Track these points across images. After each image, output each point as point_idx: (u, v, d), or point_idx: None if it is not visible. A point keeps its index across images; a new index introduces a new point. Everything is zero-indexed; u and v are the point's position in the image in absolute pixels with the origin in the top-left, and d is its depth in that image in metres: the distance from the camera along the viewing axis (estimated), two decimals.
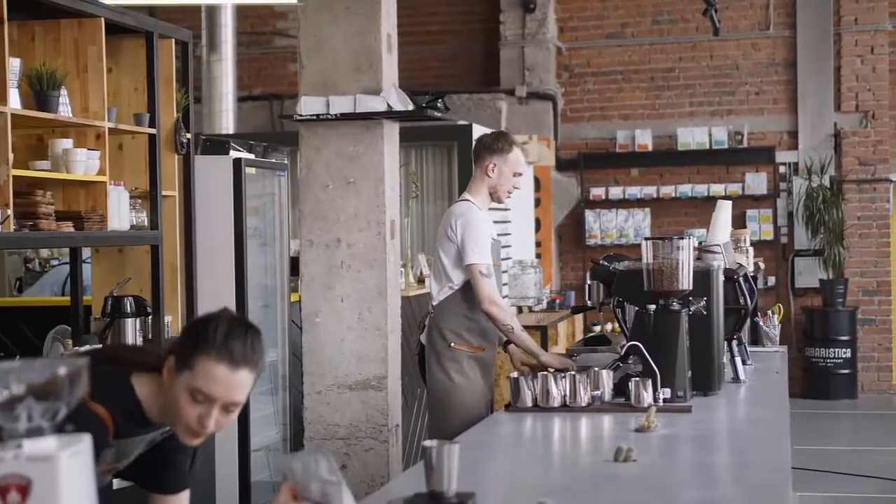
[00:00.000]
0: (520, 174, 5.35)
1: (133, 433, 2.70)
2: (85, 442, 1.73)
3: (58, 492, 1.67)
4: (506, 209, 10.28)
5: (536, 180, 12.22)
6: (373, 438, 5.64)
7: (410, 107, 5.57)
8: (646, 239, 4.42)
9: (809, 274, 12.54)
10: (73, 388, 1.73)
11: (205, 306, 6.12)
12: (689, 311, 4.42)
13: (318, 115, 5.58)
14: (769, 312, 6.45)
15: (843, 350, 12.18)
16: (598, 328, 10.52)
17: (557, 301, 10.91)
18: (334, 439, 5.64)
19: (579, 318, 11.12)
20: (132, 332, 5.42)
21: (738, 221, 12.28)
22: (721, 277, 4.67)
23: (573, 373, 4.29)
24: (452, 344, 5.24)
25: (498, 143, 5.34)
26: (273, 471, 6.71)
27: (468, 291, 5.25)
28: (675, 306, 4.36)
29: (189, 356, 2.59)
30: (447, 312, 5.28)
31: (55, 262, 8.18)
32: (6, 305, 6.89)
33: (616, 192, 12.85)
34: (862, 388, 12.43)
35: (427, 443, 2.71)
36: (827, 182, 12.35)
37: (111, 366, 2.71)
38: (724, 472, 3.32)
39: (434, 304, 5.37)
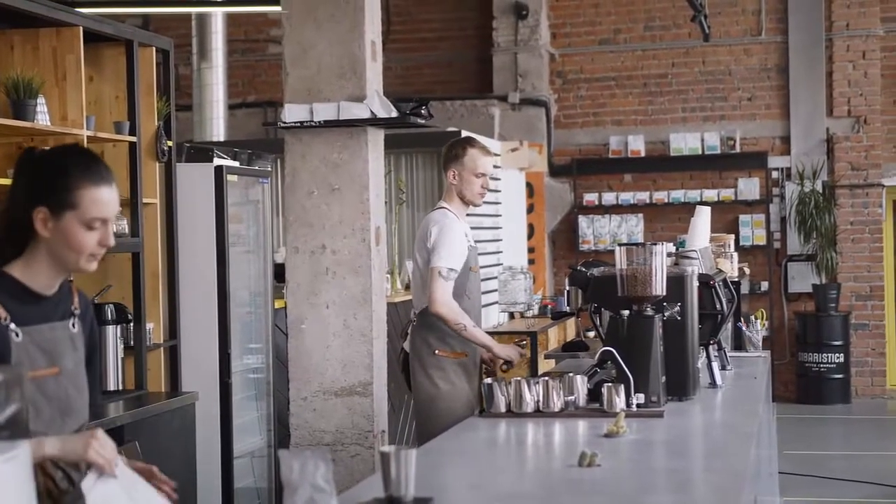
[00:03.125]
0: (482, 174, 5.39)
1: (34, 316, 2.74)
2: (22, 448, 1.75)
3: None
4: (497, 215, 10.32)
5: (529, 186, 12.25)
6: (359, 444, 5.67)
7: (394, 114, 5.59)
8: (619, 245, 4.44)
9: (802, 279, 12.54)
10: (9, 395, 1.75)
11: (187, 313, 6.15)
12: (663, 316, 4.43)
13: (302, 123, 5.60)
14: (752, 318, 6.45)
15: (837, 355, 12.19)
16: (591, 334, 10.53)
17: (550, 307, 10.92)
18: (320, 445, 5.65)
19: (571, 323, 11.14)
20: (113, 339, 5.43)
21: (731, 226, 12.31)
22: (695, 283, 4.68)
23: (546, 378, 4.31)
24: (437, 351, 5.30)
25: (453, 150, 5.44)
26: (257, 477, 6.72)
27: None
28: (649, 312, 4.37)
29: (66, 196, 2.70)
30: (430, 320, 5.32)
31: None
32: None
33: (609, 197, 12.86)
34: (855, 392, 12.43)
35: (384, 448, 2.74)
36: (819, 187, 12.36)
37: None
38: (683, 476, 3.32)
39: (416, 311, 5.42)
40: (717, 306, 5.04)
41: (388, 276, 8.11)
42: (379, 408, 5.70)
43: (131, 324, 5.63)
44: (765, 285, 12.52)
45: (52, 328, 2.78)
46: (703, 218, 5.61)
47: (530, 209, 12.30)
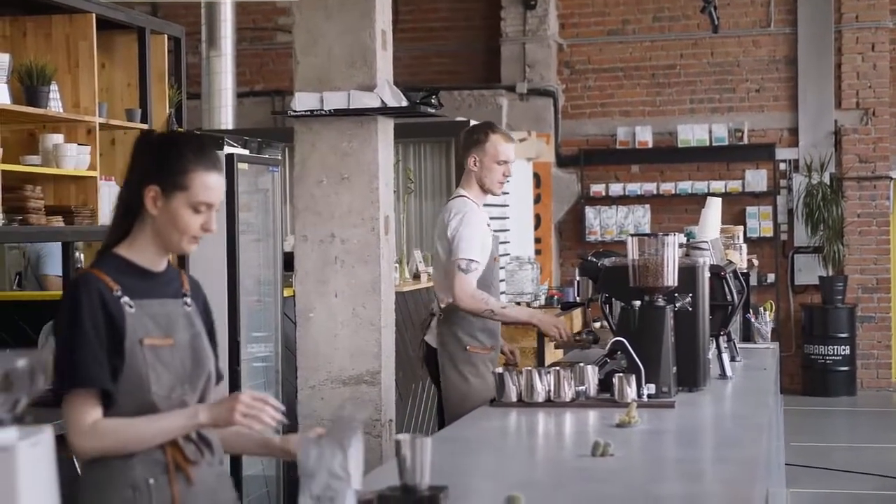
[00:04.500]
0: (504, 162, 5.27)
1: (145, 291, 2.83)
2: (46, 433, 1.76)
3: (16, 482, 1.70)
4: (504, 205, 10.31)
5: (536, 176, 12.25)
6: (366, 433, 5.65)
7: (404, 103, 5.57)
8: (631, 235, 4.44)
9: (809, 271, 12.54)
10: (34, 379, 1.76)
11: None
12: (675, 307, 4.43)
13: (312, 111, 5.59)
14: (761, 309, 6.46)
15: (843, 347, 12.19)
16: (598, 325, 10.52)
17: (556, 297, 10.91)
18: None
19: (578, 313, 11.14)
20: None
21: (738, 218, 12.30)
22: (707, 274, 4.68)
23: (558, 368, 4.31)
24: (468, 347, 5.23)
25: (474, 135, 5.32)
26: (265, 465, 6.74)
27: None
28: (660, 302, 4.37)
29: (179, 178, 2.80)
30: (459, 314, 5.22)
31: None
32: (3, 300, 6.91)
33: (616, 188, 12.86)
34: (861, 385, 12.44)
35: (399, 437, 2.73)
36: (827, 179, 12.36)
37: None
38: (697, 466, 3.33)
39: (442, 305, 5.31)
40: (728, 297, 5.04)
41: (397, 265, 8.11)
42: (387, 397, 5.70)
43: None
44: (771, 277, 12.52)
45: (164, 304, 2.87)
46: (713, 209, 5.62)
47: (537, 199, 12.30)
